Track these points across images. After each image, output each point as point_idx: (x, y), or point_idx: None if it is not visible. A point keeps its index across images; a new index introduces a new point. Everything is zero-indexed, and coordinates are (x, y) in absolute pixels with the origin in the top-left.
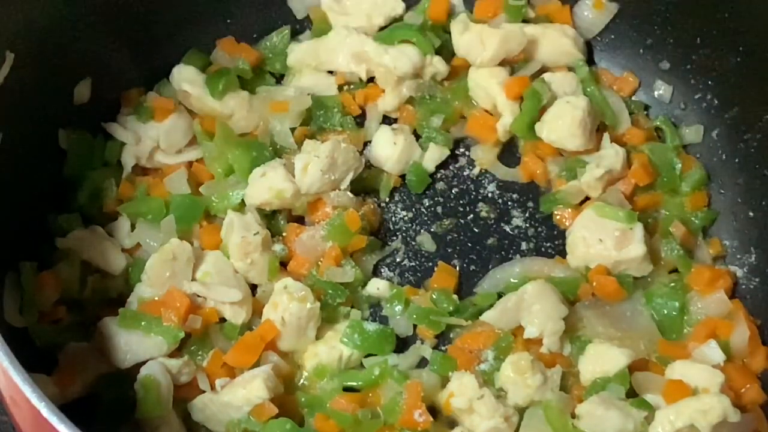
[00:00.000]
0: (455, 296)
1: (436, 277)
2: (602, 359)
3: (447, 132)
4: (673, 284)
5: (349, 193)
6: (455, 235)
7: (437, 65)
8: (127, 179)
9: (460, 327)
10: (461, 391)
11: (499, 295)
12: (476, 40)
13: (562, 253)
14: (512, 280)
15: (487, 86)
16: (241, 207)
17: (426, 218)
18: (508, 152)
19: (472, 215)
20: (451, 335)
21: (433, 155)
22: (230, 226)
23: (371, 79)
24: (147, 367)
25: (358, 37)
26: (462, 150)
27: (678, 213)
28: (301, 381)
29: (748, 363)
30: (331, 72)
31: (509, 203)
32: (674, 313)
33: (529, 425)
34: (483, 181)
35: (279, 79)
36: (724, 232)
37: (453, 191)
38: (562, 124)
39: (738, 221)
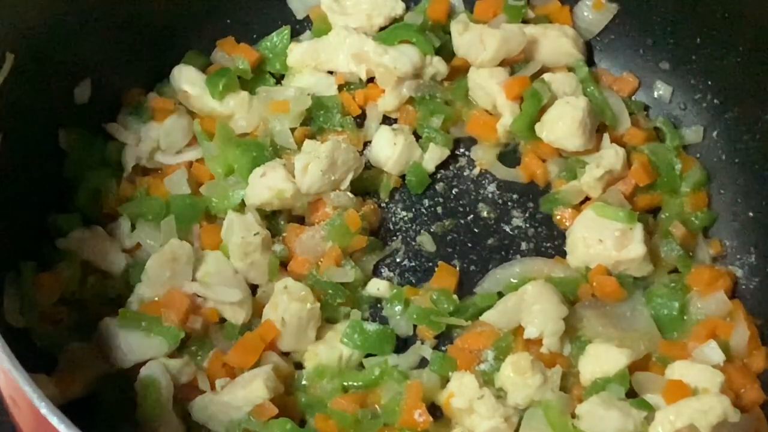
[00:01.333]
0: (455, 296)
1: (436, 278)
2: (602, 359)
3: (447, 132)
4: (673, 284)
5: (349, 193)
6: (455, 235)
7: (437, 65)
8: (127, 179)
9: (460, 327)
10: (461, 391)
11: (499, 295)
12: (476, 41)
13: (562, 253)
14: (512, 280)
15: (487, 86)
16: (241, 207)
17: (426, 218)
18: (508, 152)
19: (472, 215)
20: (452, 335)
21: (433, 155)
22: (230, 226)
23: (371, 79)
24: (147, 367)
25: (358, 37)
26: (462, 150)
27: (678, 213)
28: (302, 381)
29: (748, 363)
30: (331, 72)
31: (509, 203)
32: (674, 313)
33: (529, 425)
34: (483, 181)
35: (279, 79)
36: (724, 232)
37: (453, 191)
38: (562, 124)
39: (738, 221)
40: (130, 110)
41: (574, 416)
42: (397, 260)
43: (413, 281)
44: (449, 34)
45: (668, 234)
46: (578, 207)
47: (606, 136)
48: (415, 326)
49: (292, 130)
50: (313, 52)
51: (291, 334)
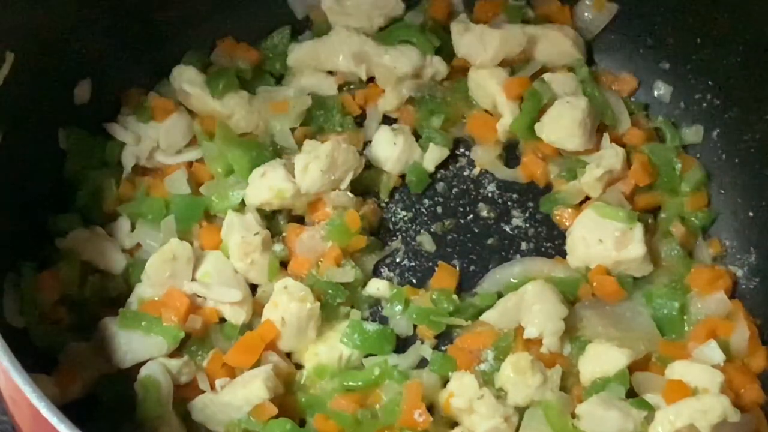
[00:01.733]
0: (455, 296)
1: (436, 277)
2: (602, 359)
3: (447, 132)
4: (673, 284)
5: (349, 193)
6: (455, 235)
7: (437, 65)
8: (127, 179)
9: (460, 327)
10: (461, 391)
11: (499, 295)
12: (476, 41)
13: (562, 253)
14: (512, 280)
15: (487, 86)
16: (241, 207)
17: (426, 218)
18: (508, 152)
19: (472, 215)
20: (452, 335)
21: (433, 155)
22: (230, 226)
23: (371, 79)
24: (147, 367)
25: (358, 37)
26: (462, 150)
27: (678, 213)
28: (302, 381)
29: (748, 363)
30: (331, 72)
31: (509, 203)
32: (674, 313)
33: (529, 425)
34: (483, 181)
35: (279, 79)
36: (724, 232)
37: (453, 191)
38: (562, 124)
39: (738, 221)
40: (130, 110)
41: (574, 416)
42: (397, 260)
43: (413, 281)
44: (449, 34)
45: (668, 234)
46: (578, 207)
47: (606, 136)
48: (415, 326)
49: (292, 130)
50: (313, 52)
51: (291, 334)
